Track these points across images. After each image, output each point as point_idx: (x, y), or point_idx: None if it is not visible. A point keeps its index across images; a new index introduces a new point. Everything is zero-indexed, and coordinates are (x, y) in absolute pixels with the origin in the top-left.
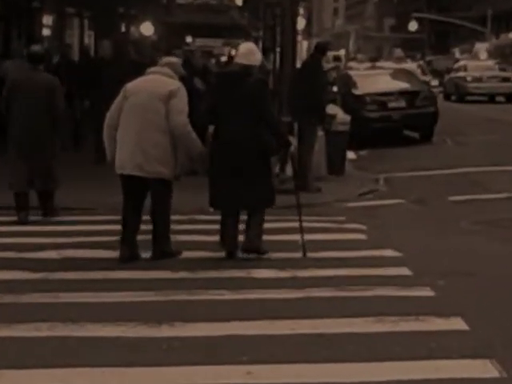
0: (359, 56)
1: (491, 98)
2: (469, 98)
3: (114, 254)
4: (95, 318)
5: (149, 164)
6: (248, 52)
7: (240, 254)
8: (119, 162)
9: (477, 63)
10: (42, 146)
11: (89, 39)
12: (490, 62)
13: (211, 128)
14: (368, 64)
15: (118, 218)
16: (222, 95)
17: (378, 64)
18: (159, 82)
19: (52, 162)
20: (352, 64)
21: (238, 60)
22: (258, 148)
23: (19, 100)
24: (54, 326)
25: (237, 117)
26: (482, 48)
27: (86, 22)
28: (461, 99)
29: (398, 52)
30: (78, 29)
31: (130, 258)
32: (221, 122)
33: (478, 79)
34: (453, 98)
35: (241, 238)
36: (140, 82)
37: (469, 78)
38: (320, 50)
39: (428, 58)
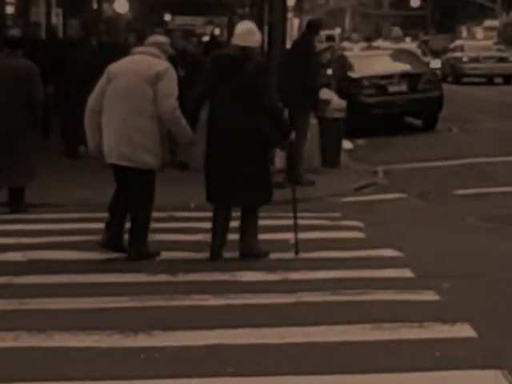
0: (353, 35)
1: (489, 80)
2: (465, 79)
3: (85, 255)
4: (64, 326)
5: (135, 153)
6: (246, 32)
7: (225, 255)
8: (106, 150)
9: (474, 43)
10: (19, 135)
11: (57, 18)
12: (488, 42)
13: (203, 116)
14: (363, 44)
15: (90, 215)
16: (217, 80)
17: (374, 44)
18: (145, 63)
19: (30, 153)
20: (345, 44)
21: (235, 41)
22: (257, 139)
23: None
24: (20, 336)
25: (234, 104)
26: (478, 28)
27: None
28: (457, 81)
29: (397, 31)
30: (44, 6)
31: (111, 244)
32: (215, 110)
33: (475, 59)
34: (449, 79)
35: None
36: (124, 62)
37: (465, 59)
38: (312, 29)
39: (424, 38)
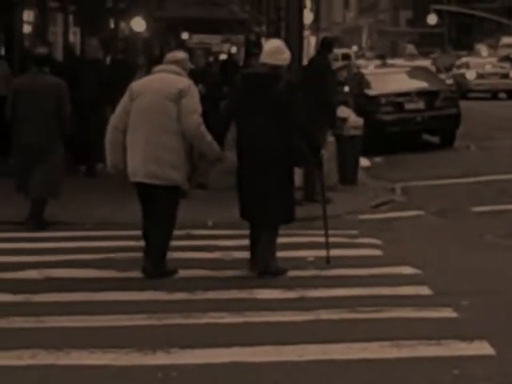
0: (367, 53)
1: (494, 95)
2: (471, 94)
3: (102, 273)
4: (82, 344)
5: (161, 170)
6: (275, 50)
7: (241, 273)
8: (131, 169)
9: (478, 60)
10: (48, 150)
11: (74, 37)
12: (493, 59)
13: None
14: (377, 62)
15: (108, 233)
16: (247, 99)
17: (389, 62)
18: (167, 81)
19: (57, 169)
20: (360, 62)
21: (264, 60)
22: (285, 156)
23: (24, 104)
24: (37, 354)
25: (264, 122)
26: (482, 46)
27: (70, 17)
28: (463, 96)
29: (411, 48)
30: (62, 25)
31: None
32: (245, 128)
33: (480, 76)
34: None
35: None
36: (146, 81)
37: (470, 75)
38: (326, 46)
39: (432, 56)
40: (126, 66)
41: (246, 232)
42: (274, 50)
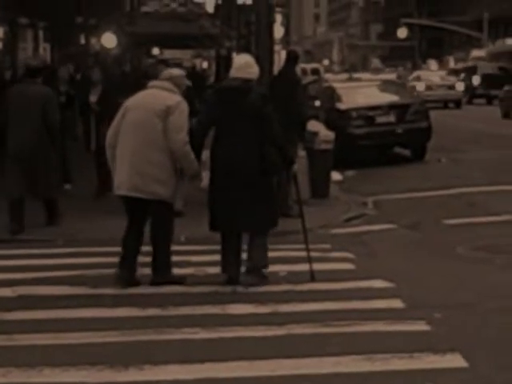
0: (334, 67)
1: (445, 105)
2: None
3: (74, 290)
4: (54, 361)
5: (145, 184)
6: (245, 65)
7: (214, 288)
8: (116, 182)
9: (428, 73)
10: (38, 156)
11: (44, 52)
12: (441, 73)
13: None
14: (343, 76)
15: (79, 250)
16: (221, 112)
17: (355, 76)
18: (157, 97)
19: (50, 172)
20: (328, 76)
21: (234, 74)
22: (261, 167)
23: (16, 112)
24: (9, 372)
25: (239, 134)
26: (432, 61)
27: (41, 33)
28: None
29: (376, 62)
30: (32, 41)
31: (127, 281)
32: (220, 141)
33: (429, 87)
34: None
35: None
36: (139, 97)
37: (421, 87)
38: (293, 59)
39: (400, 68)
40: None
41: (219, 247)
42: (244, 64)
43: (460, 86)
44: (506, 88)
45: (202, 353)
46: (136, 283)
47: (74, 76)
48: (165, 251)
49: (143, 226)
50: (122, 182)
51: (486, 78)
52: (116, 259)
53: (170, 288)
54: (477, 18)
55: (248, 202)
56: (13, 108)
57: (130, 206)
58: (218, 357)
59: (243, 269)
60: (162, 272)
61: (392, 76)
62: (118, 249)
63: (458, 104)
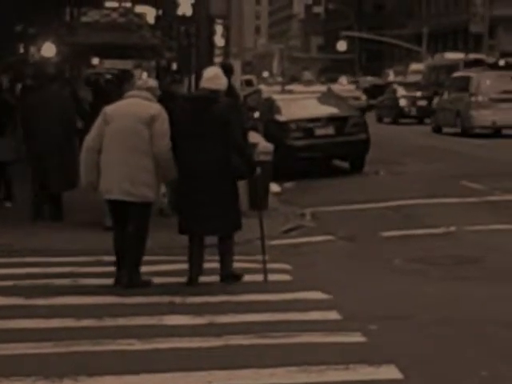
0: (269, 79)
1: None
2: None
3: (8, 300)
4: None
5: (136, 188)
6: (214, 76)
7: (152, 299)
8: (105, 187)
9: (339, 87)
10: (60, 151)
11: None
12: (351, 87)
13: None
14: (277, 87)
15: (13, 260)
16: (189, 120)
17: (288, 87)
18: (140, 106)
19: (68, 166)
20: (262, 87)
21: (204, 84)
22: (227, 172)
23: (37, 115)
24: None
25: (205, 141)
26: (343, 77)
27: None
28: None
29: (307, 75)
30: None
31: (126, 282)
32: (186, 148)
33: None
34: None
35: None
36: (120, 106)
37: None
38: (229, 72)
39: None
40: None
41: (158, 258)
42: (213, 76)
43: (364, 97)
44: (380, 98)
45: (138, 364)
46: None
47: (14, 85)
48: (139, 253)
49: (127, 226)
50: (112, 186)
51: (369, 90)
52: (50, 269)
53: (106, 298)
54: (416, 32)
55: (213, 206)
56: (34, 111)
57: (117, 209)
58: (154, 368)
59: (217, 278)
60: (132, 272)
61: (323, 88)
62: (53, 259)
63: (363, 111)
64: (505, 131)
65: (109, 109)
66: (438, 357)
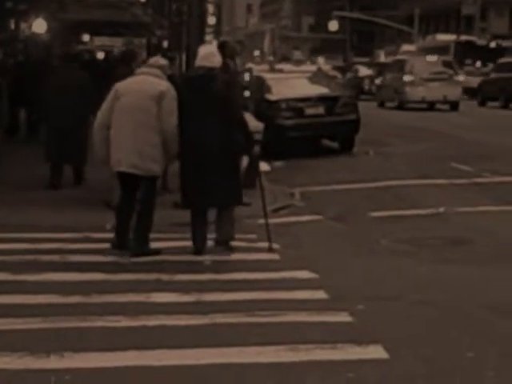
0: (256, 58)
1: None
2: None
3: None
4: None
5: (143, 162)
6: (210, 54)
7: (140, 276)
8: (115, 160)
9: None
10: (76, 128)
11: None
12: (327, 67)
13: None
14: (265, 66)
15: (1, 235)
16: (188, 98)
17: (278, 67)
18: (149, 83)
19: (83, 142)
20: (250, 66)
21: (200, 63)
22: (229, 148)
23: (57, 92)
24: None
25: (206, 118)
26: (321, 58)
27: None
28: None
29: (297, 55)
30: None
31: (120, 245)
32: (189, 125)
33: None
34: None
35: None
36: (130, 82)
37: None
38: (226, 48)
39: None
40: (29, 68)
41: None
42: (209, 53)
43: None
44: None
45: (125, 341)
46: (126, 248)
47: (5, 62)
48: (149, 222)
49: (135, 197)
50: (121, 160)
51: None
52: (39, 245)
53: (94, 275)
54: (408, 13)
55: (215, 181)
56: (55, 89)
57: (125, 180)
58: (141, 345)
59: (211, 242)
60: (141, 243)
61: (313, 68)
62: (42, 235)
63: None
64: (438, 106)
65: (120, 85)
66: (425, 338)
